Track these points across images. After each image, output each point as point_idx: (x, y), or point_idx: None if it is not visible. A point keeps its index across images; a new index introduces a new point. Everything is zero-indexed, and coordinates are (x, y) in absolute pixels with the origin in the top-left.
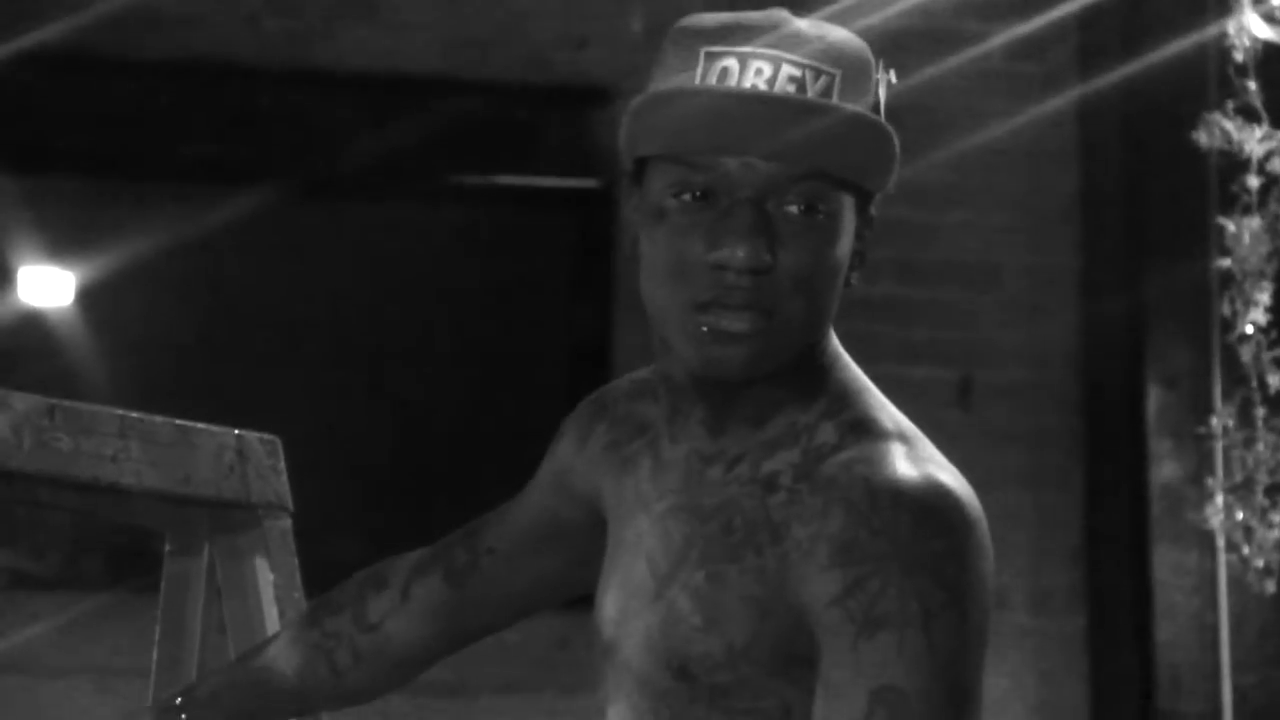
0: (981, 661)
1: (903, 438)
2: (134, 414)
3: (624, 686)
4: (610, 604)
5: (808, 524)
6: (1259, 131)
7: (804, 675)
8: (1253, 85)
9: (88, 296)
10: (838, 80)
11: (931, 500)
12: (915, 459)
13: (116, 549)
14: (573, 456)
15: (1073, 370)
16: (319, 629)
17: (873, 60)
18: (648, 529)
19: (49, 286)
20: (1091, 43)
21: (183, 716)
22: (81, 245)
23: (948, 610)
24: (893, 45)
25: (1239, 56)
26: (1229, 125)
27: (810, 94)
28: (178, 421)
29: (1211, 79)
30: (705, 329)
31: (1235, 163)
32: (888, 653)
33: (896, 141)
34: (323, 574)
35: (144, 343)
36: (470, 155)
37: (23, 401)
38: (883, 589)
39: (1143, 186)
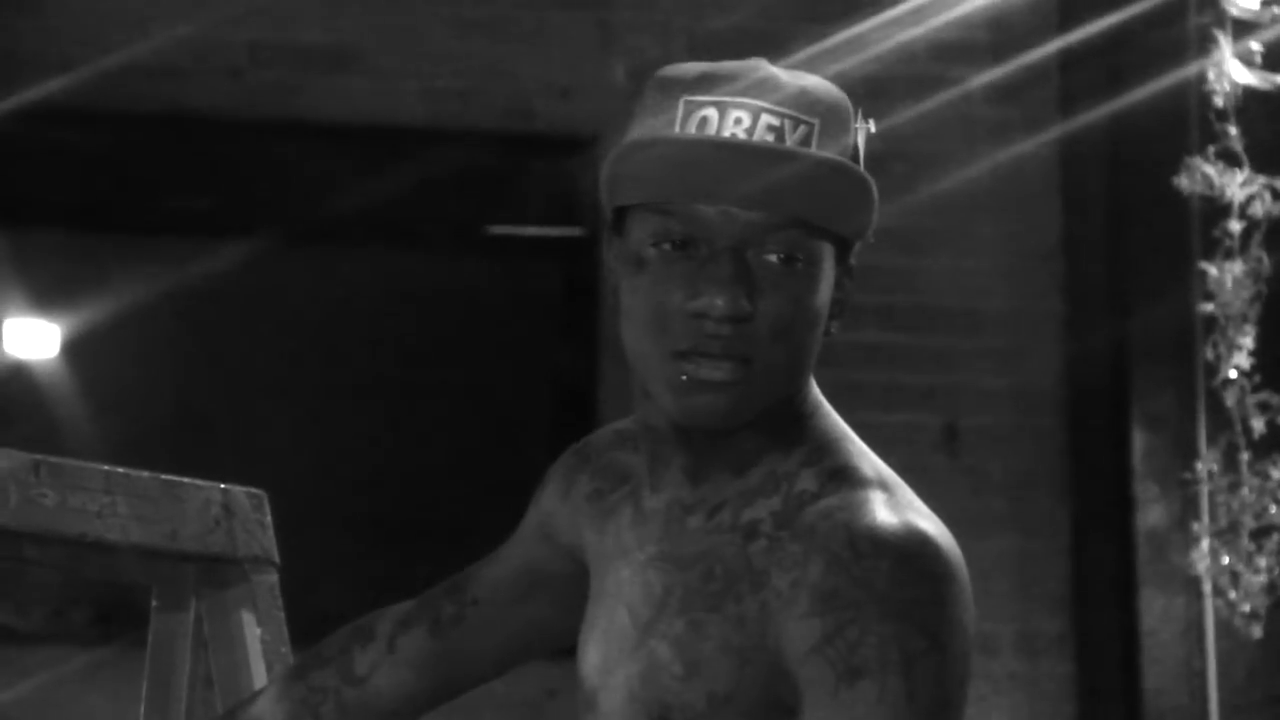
0: (963, 708)
1: (883, 485)
2: (120, 469)
3: None
4: (593, 653)
5: (788, 571)
6: (1240, 176)
7: None
8: (1233, 130)
9: (73, 349)
10: (816, 129)
11: (911, 548)
12: (895, 506)
13: (103, 604)
14: (556, 506)
15: (1057, 414)
16: (304, 683)
17: (851, 109)
18: (629, 578)
19: (34, 339)
20: (1072, 86)
21: None
22: (66, 297)
23: (928, 657)
24: (872, 90)
25: (1219, 101)
26: (1210, 170)
27: (789, 143)
28: (164, 476)
29: (1193, 122)
30: (685, 377)
31: (1217, 207)
32: (869, 700)
33: (875, 189)
34: (310, 625)
35: (129, 395)
36: (453, 204)
37: (7, 458)
38: (862, 636)
39: (1125, 231)
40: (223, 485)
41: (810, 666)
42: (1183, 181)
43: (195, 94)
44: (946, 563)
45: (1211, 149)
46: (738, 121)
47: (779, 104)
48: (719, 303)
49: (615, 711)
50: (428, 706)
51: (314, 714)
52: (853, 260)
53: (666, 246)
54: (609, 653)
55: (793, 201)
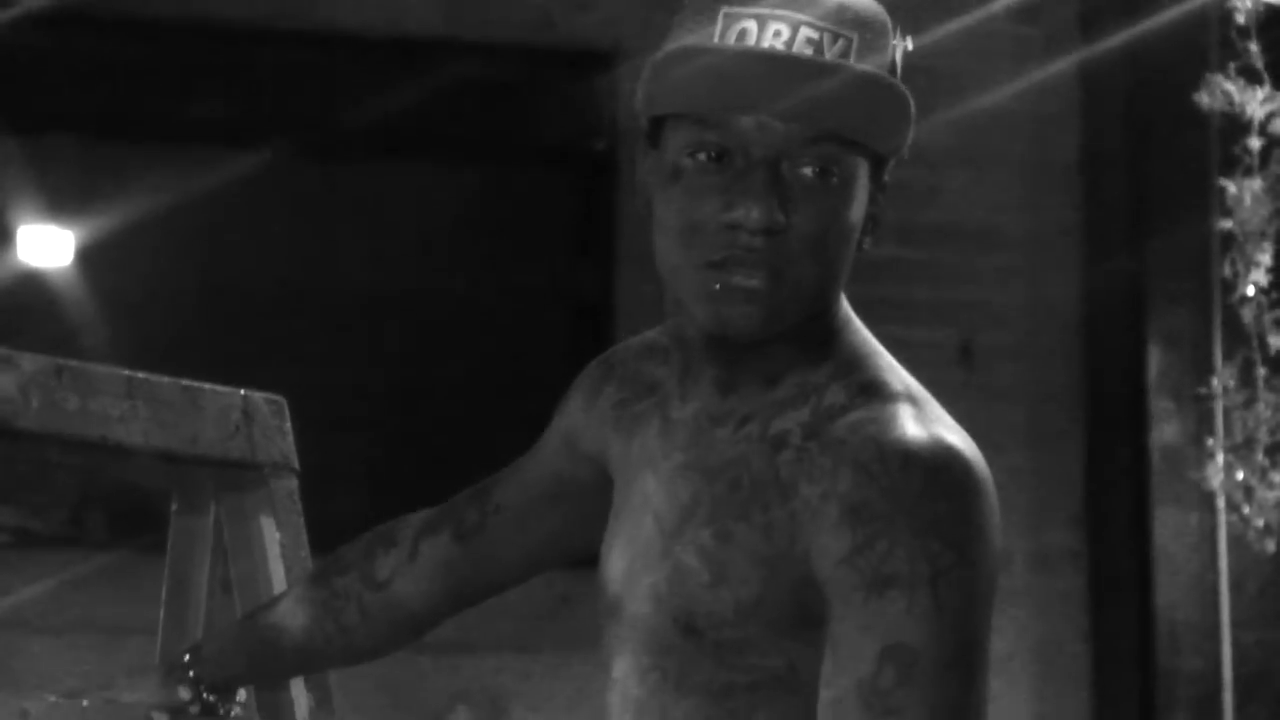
0: (989, 620)
1: (912, 400)
2: (140, 374)
3: (629, 643)
4: (616, 561)
5: (817, 483)
6: (1260, 93)
7: (811, 633)
8: (1254, 47)
9: (88, 256)
10: (855, 43)
11: (940, 461)
12: (924, 421)
13: (120, 509)
14: (581, 416)
15: (1074, 331)
16: (327, 587)
17: (890, 25)
18: (655, 487)
19: (49, 246)
20: (1093, 5)
21: (190, 673)
22: (81, 205)
23: (956, 570)
24: (897, 7)
25: (1240, 18)
26: (1230, 87)
27: (828, 56)
28: (184, 382)
29: (1213, 41)
30: (718, 287)
31: (1237, 124)
32: (897, 611)
33: (912, 105)
34: (328, 533)
35: (144, 303)
36: (472, 117)
37: (31, 362)
38: (891, 549)
39: (1144, 149)
40: (243, 391)
41: (839, 577)
42: (1203, 99)
43: (215, 2)
44: (974, 476)
45: (1232, 66)
46: (777, 34)
47: (818, 18)
48: (754, 214)
49: (640, 618)
50: (448, 612)
51: (335, 618)
52: (887, 176)
53: (702, 157)
54: (634, 560)
55: (829, 115)
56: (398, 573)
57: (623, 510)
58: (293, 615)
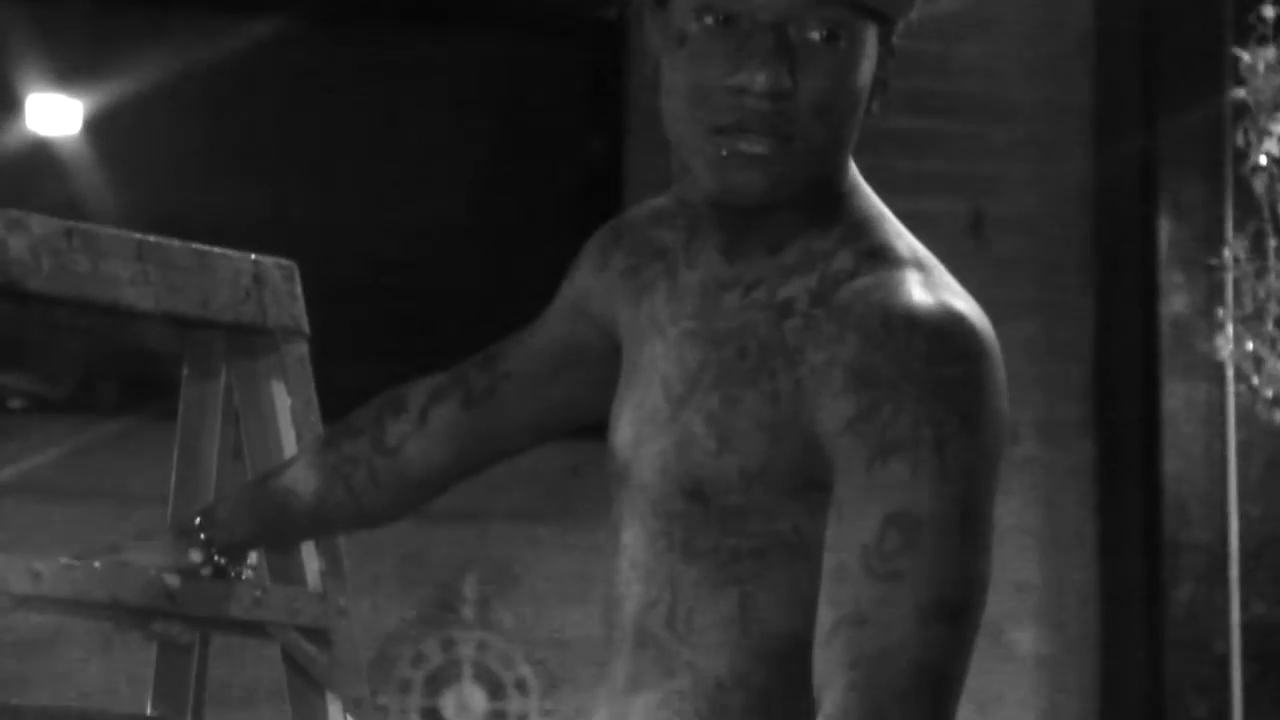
0: (994, 488)
1: (919, 265)
2: (151, 238)
3: (637, 510)
4: (625, 427)
5: (823, 349)
6: None
7: (816, 499)
8: None
9: (96, 125)
10: None
11: (947, 327)
12: (931, 286)
13: (131, 376)
14: (590, 281)
15: (1084, 202)
16: (337, 452)
17: None
18: (662, 353)
19: (57, 115)
20: None
21: (201, 536)
22: (90, 72)
23: (961, 436)
24: None
25: None
26: None
27: None
28: (195, 246)
29: None
30: (724, 152)
31: None
32: (901, 477)
33: None
34: (339, 400)
35: (153, 171)
36: None
37: (40, 224)
38: (896, 414)
39: (1158, 17)
40: (253, 255)
41: (844, 443)
42: None
43: None
44: (981, 342)
45: None
46: None
47: None
48: (760, 78)
49: (647, 484)
50: (457, 477)
51: (345, 482)
52: (895, 40)
53: (708, 21)
54: (641, 426)
55: None
56: (407, 438)
57: (631, 376)
58: (303, 479)
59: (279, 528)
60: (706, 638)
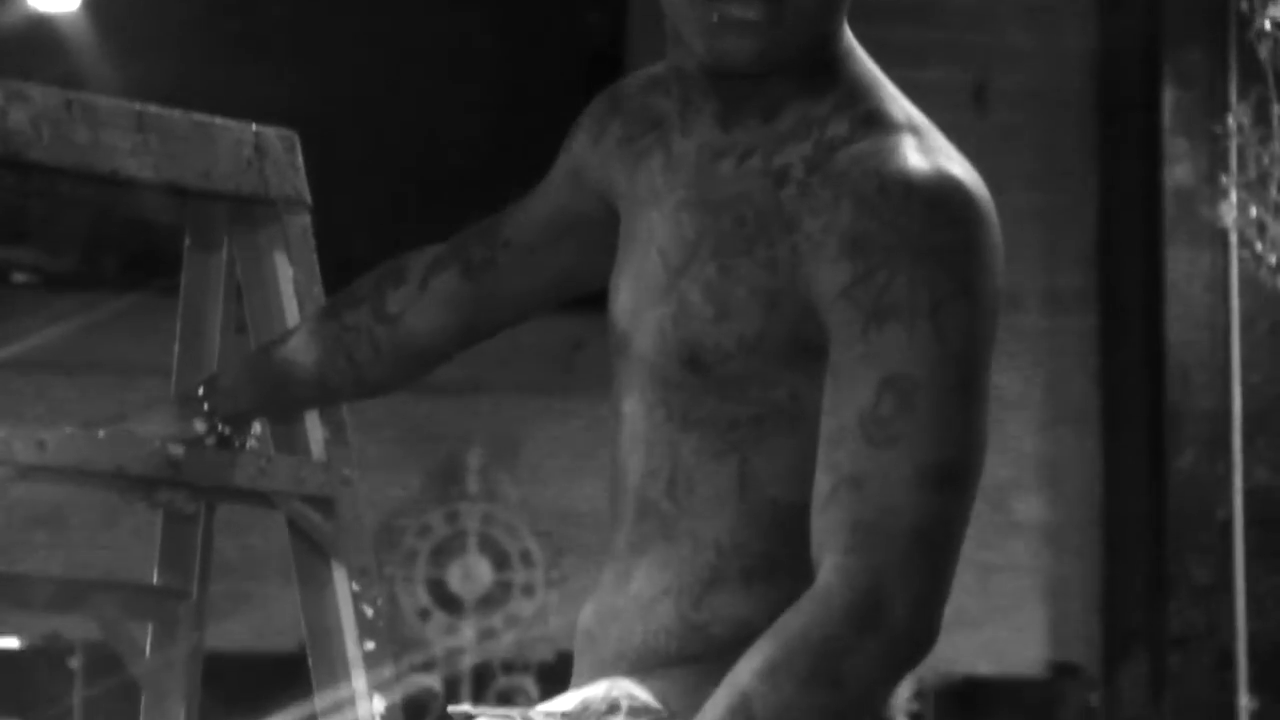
0: (990, 351)
1: (914, 130)
2: (152, 108)
3: (636, 381)
4: (624, 297)
5: (818, 216)
6: None
7: (813, 366)
8: None
9: (94, 2)
10: None
11: (942, 192)
12: (926, 151)
13: (134, 250)
14: (587, 151)
15: (1089, 71)
16: (338, 322)
17: None
18: (659, 221)
19: None
20: None
21: (205, 405)
22: None
23: (957, 299)
24: None
25: None
26: None
27: None
28: (195, 116)
29: None
30: (715, 18)
31: None
32: (897, 340)
33: None
34: (340, 272)
35: (154, 47)
36: None
37: (41, 95)
38: (892, 279)
39: None
40: (254, 126)
41: (839, 309)
42: None
43: None
44: (976, 207)
45: None
46: None
47: None
48: None
49: (646, 354)
50: (458, 347)
51: (346, 352)
52: None
53: None
54: (640, 296)
55: None
56: (408, 307)
57: (628, 246)
58: (305, 349)
59: (281, 397)
60: (706, 505)
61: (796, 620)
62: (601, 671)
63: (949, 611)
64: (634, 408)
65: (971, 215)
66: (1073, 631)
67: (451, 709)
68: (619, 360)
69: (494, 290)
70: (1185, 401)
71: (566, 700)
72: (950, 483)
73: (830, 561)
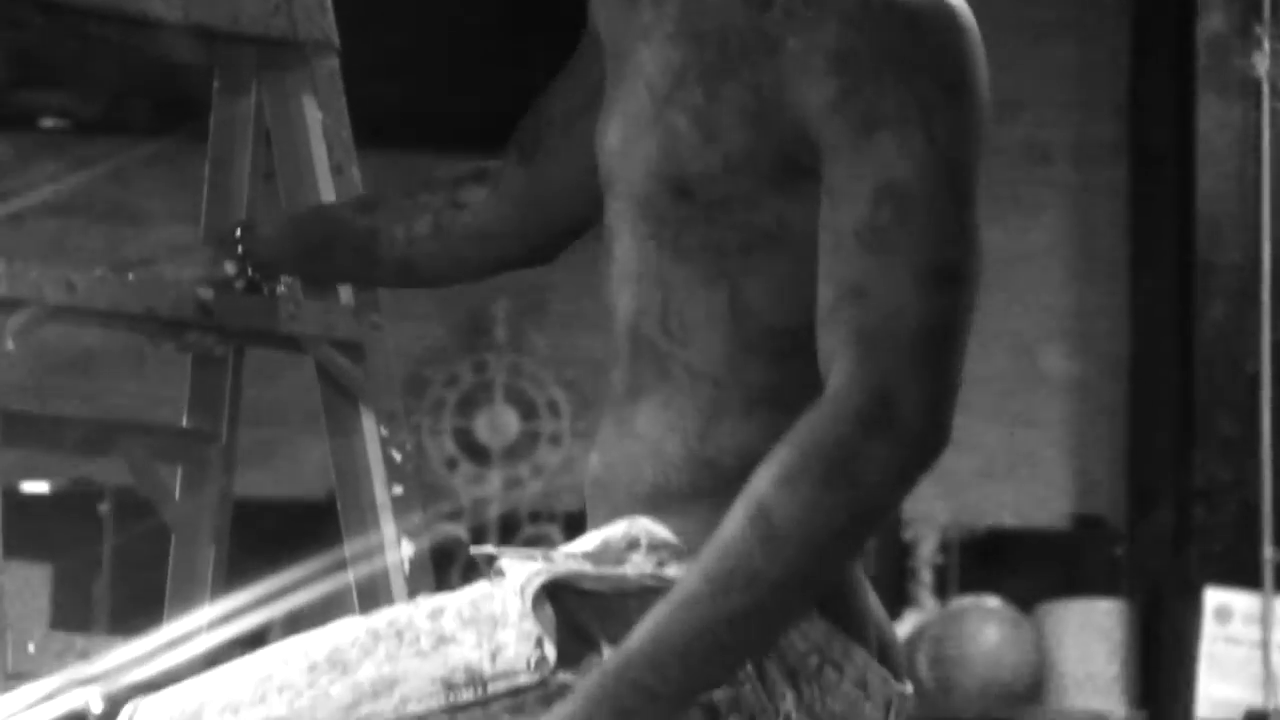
0: (980, 156)
1: None
2: None
3: (626, 217)
4: (611, 133)
5: (802, 36)
6: None
7: (802, 186)
8: None
9: None
10: None
11: (923, 6)
12: None
13: (162, 96)
14: (597, 6)
15: None
16: (410, 197)
17: None
18: (648, 56)
19: None
20: None
21: (239, 249)
22: None
23: (945, 106)
24: None
25: None
26: None
27: None
28: None
29: None
30: None
31: None
32: (888, 149)
33: None
34: (369, 119)
35: None
36: None
37: None
38: (879, 91)
39: None
40: None
41: (829, 124)
42: None
43: None
44: (959, 18)
45: None
46: None
47: None
48: None
49: (635, 186)
50: (516, 247)
51: (407, 224)
52: None
53: None
54: (628, 130)
55: None
56: (477, 199)
57: (617, 85)
58: (362, 212)
59: (321, 259)
60: (699, 336)
61: (809, 428)
62: (617, 517)
63: (974, 464)
64: (625, 247)
65: (953, 25)
66: (1098, 484)
67: (474, 549)
68: (610, 199)
69: (545, 173)
70: (1214, 254)
71: (588, 540)
72: (951, 283)
73: (838, 369)
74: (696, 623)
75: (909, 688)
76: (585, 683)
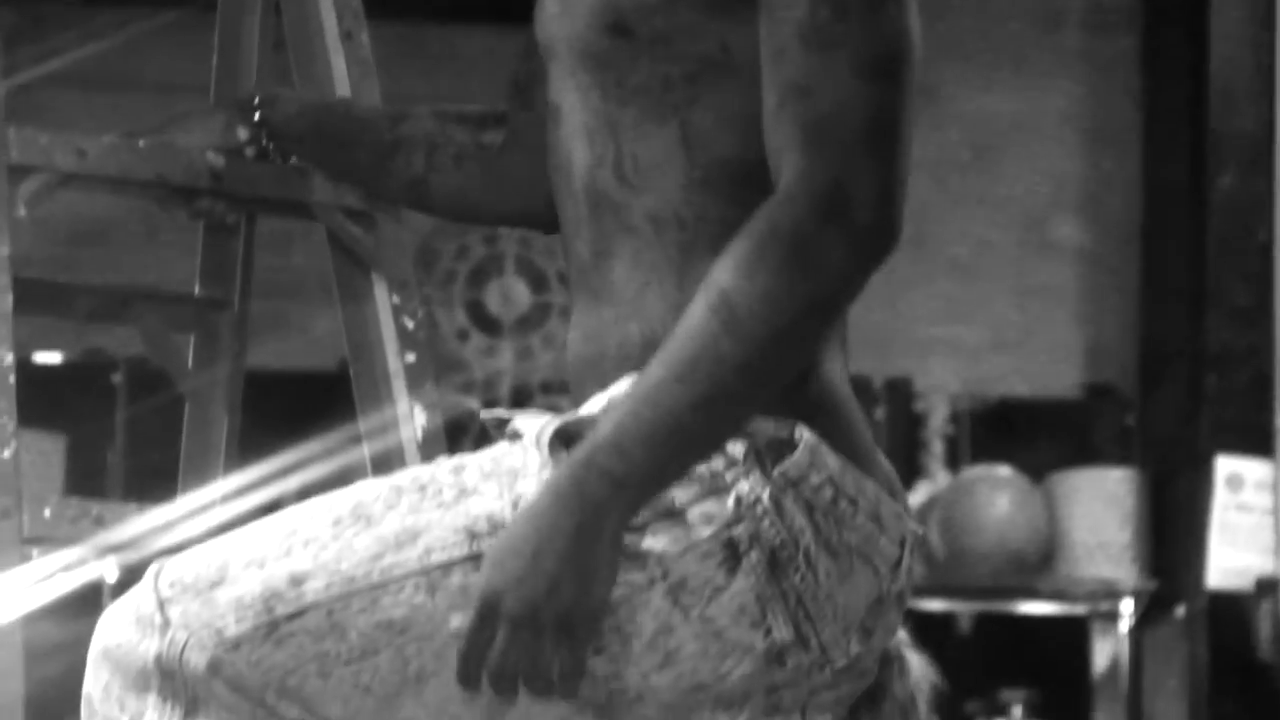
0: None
1: None
2: None
3: (569, 72)
4: (549, 5)
5: None
6: None
7: (740, 11)
8: None
9: None
10: None
11: None
12: None
13: None
14: None
15: None
16: (440, 126)
17: None
18: None
19: None
20: None
21: (257, 115)
22: None
23: None
24: None
25: None
26: None
27: None
28: None
29: None
30: None
31: None
32: None
33: None
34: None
35: None
36: None
37: None
38: None
39: None
40: None
41: None
42: None
43: None
44: None
45: None
46: None
47: None
48: None
49: (574, 38)
50: (532, 195)
51: (427, 148)
52: None
53: None
54: None
55: None
56: (500, 145)
57: None
58: (391, 123)
59: (337, 148)
60: (655, 178)
61: (765, 218)
62: (609, 385)
63: (985, 334)
64: (571, 103)
65: None
66: (1109, 353)
67: (484, 414)
68: (551, 68)
69: (537, 109)
70: (1227, 122)
71: (595, 402)
72: (892, 75)
73: (789, 164)
74: (661, 410)
75: (921, 528)
76: (553, 474)
